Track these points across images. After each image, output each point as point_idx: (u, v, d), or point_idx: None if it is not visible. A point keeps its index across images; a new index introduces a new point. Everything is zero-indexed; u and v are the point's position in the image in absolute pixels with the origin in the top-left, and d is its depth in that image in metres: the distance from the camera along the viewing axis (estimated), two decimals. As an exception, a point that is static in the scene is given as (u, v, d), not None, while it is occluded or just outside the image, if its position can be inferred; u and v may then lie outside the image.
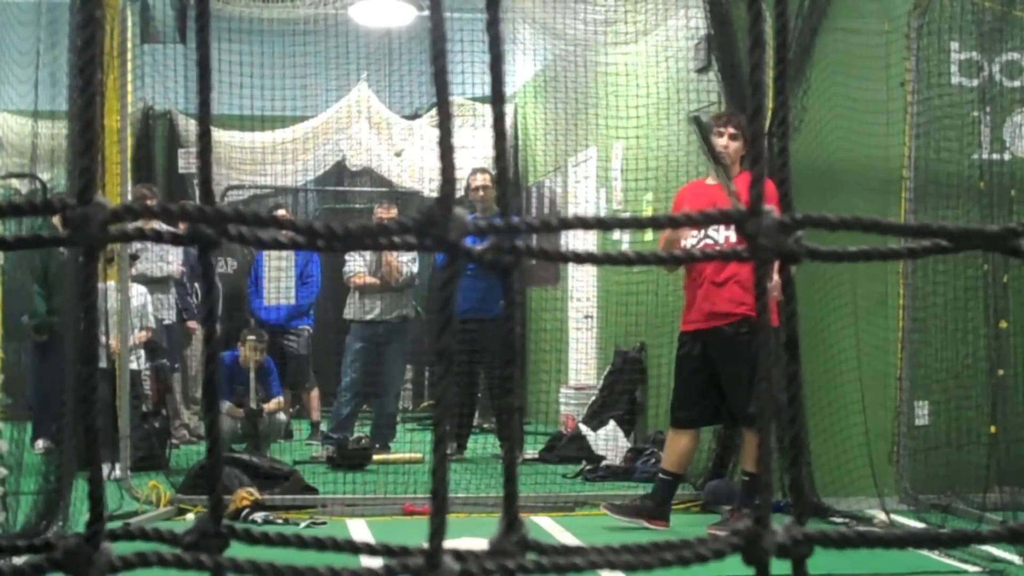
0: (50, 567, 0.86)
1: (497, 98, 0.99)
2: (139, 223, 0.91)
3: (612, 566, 0.91)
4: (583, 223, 1.03)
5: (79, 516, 6.60)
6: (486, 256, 0.94)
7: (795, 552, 0.93)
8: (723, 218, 0.96)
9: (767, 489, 0.97)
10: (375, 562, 0.91)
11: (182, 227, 0.97)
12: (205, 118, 0.97)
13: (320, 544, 0.93)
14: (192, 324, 11.54)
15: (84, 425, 0.94)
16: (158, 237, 0.96)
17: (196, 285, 11.55)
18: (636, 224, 1.03)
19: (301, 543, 0.96)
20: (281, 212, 10.93)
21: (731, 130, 7.23)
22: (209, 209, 0.92)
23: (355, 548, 0.93)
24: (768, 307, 0.98)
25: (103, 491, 0.92)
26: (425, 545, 0.90)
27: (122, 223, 0.90)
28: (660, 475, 7.42)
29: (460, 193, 11.24)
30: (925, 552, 6.77)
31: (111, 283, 8.68)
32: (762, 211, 0.93)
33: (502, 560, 0.89)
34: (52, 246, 0.91)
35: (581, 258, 1.00)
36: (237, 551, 0.95)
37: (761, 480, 1.01)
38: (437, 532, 0.90)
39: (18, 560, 0.88)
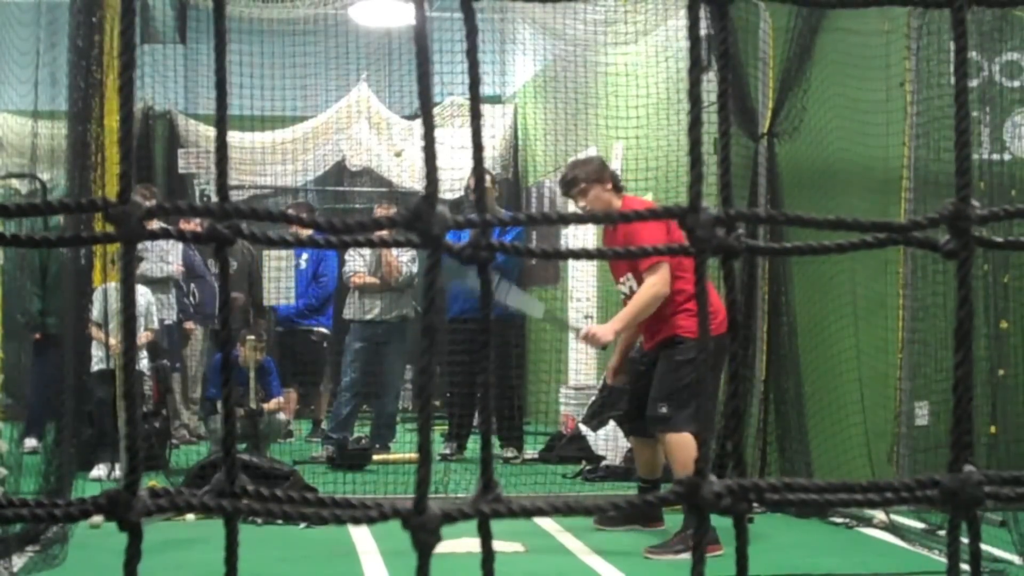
0: (95, 510, 1.00)
1: (475, 115, 1.10)
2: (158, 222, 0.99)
3: (571, 510, 1.05)
4: (547, 219, 1.15)
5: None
6: (465, 252, 1.05)
7: (735, 508, 1.04)
8: (666, 213, 1.10)
9: (705, 446, 1.08)
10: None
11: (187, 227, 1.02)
12: (222, 126, 1.07)
13: (322, 504, 1.05)
14: (189, 325, 11.55)
15: (125, 388, 1.11)
16: (181, 236, 1.06)
17: (192, 285, 11.57)
18: (595, 220, 1.17)
19: (305, 503, 1.08)
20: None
21: (576, 190, 7.18)
22: (229, 207, 1.04)
23: (351, 506, 1.04)
24: (706, 299, 1.10)
25: (138, 445, 1.06)
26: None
27: (154, 219, 1.03)
28: (639, 484, 7.48)
29: (460, 194, 11.27)
30: (925, 552, 6.77)
31: (111, 284, 8.68)
32: (700, 207, 1.06)
33: (478, 505, 1.02)
34: (95, 243, 1.05)
35: (549, 254, 1.15)
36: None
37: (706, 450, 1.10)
38: (423, 482, 1.01)
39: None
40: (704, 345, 1.17)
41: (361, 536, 6.83)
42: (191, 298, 11.52)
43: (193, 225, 7.65)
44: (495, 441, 11.27)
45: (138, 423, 1.07)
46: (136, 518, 0.99)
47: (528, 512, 1.03)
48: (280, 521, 7.69)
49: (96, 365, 8.99)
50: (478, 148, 1.11)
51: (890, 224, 1.10)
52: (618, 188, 7.24)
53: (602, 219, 1.15)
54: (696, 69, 1.08)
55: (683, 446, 6.83)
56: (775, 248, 1.12)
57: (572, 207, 7.60)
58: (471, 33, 1.05)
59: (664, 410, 6.86)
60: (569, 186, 7.22)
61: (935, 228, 1.08)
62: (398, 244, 1.05)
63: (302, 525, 7.51)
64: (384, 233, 1.06)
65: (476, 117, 1.10)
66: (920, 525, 7.19)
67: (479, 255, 1.06)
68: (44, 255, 9.86)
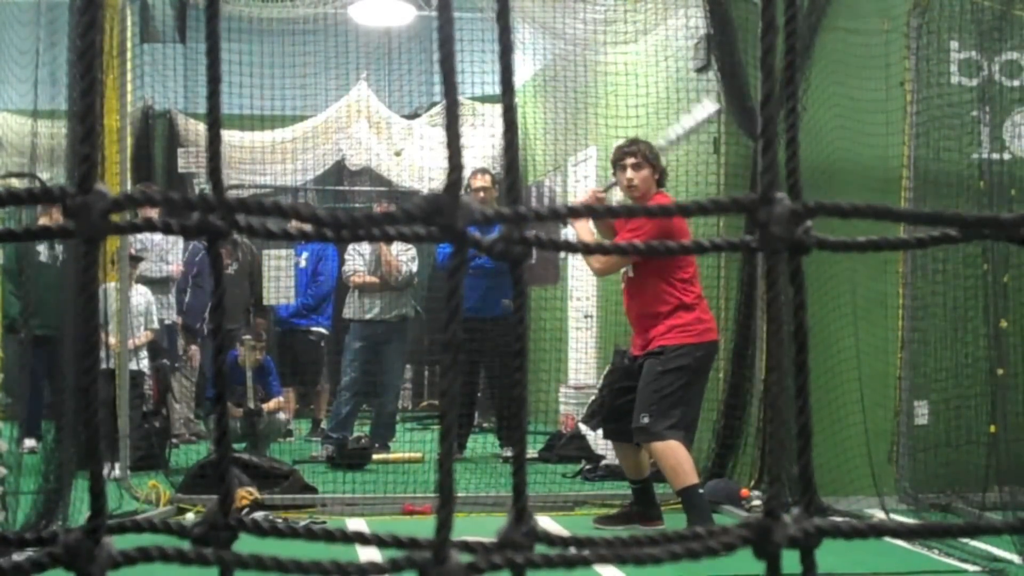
0: (51, 563, 0.86)
1: (507, 88, 0.96)
2: (150, 214, 0.90)
3: (622, 560, 0.90)
4: (589, 211, 1.02)
5: (79, 516, 6.60)
6: (496, 247, 0.92)
7: (804, 543, 0.93)
8: (733, 206, 0.95)
9: (779, 481, 0.98)
10: (378, 554, 0.92)
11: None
12: (214, 113, 0.97)
13: (329, 536, 0.95)
14: (178, 321, 11.57)
15: (85, 417, 0.95)
16: (167, 228, 0.94)
17: (189, 291, 11.57)
18: (633, 214, 1.02)
19: (310, 535, 0.98)
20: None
21: (632, 160, 7.07)
22: (215, 198, 0.90)
23: (364, 540, 0.93)
24: (780, 301, 0.97)
25: (103, 485, 0.91)
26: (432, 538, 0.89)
27: (123, 212, 0.89)
28: (631, 486, 7.47)
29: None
30: (925, 551, 6.77)
31: (111, 284, 8.67)
32: (773, 199, 0.92)
33: (510, 554, 0.88)
34: (53, 238, 0.91)
35: (589, 248, 1.03)
36: (243, 544, 0.95)
37: (776, 468, 1.02)
38: (444, 525, 0.88)
39: (19, 559, 0.87)
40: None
41: (365, 548, 6.81)
42: (186, 295, 11.53)
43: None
44: (493, 441, 11.24)
45: (101, 460, 0.91)
46: (99, 573, 0.86)
47: (570, 563, 0.90)
48: (280, 520, 7.70)
49: (101, 364, 8.97)
50: (510, 125, 0.98)
51: (998, 219, 0.97)
52: (661, 184, 7.22)
53: (640, 211, 1.03)
54: (769, 36, 0.95)
55: (668, 453, 6.81)
56: (847, 242, 0.99)
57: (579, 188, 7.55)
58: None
59: (645, 420, 6.86)
60: (628, 154, 7.12)
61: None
62: (420, 239, 0.92)
63: (301, 524, 7.51)
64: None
65: (508, 92, 0.96)
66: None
67: (512, 250, 0.92)
68: (22, 254, 9.84)
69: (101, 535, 0.86)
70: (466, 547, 0.89)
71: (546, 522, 7.54)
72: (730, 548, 0.93)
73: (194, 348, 11.57)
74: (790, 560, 1.02)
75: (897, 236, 1.01)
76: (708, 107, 7.73)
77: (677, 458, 6.79)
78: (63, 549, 0.86)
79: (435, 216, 0.90)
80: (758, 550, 0.92)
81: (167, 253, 10.98)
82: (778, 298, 0.96)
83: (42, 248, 9.92)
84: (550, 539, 0.91)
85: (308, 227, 0.95)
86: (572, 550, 0.92)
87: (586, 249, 1.03)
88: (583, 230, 7.28)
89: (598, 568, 5.49)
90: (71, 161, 7.28)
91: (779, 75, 0.97)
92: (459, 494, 7.93)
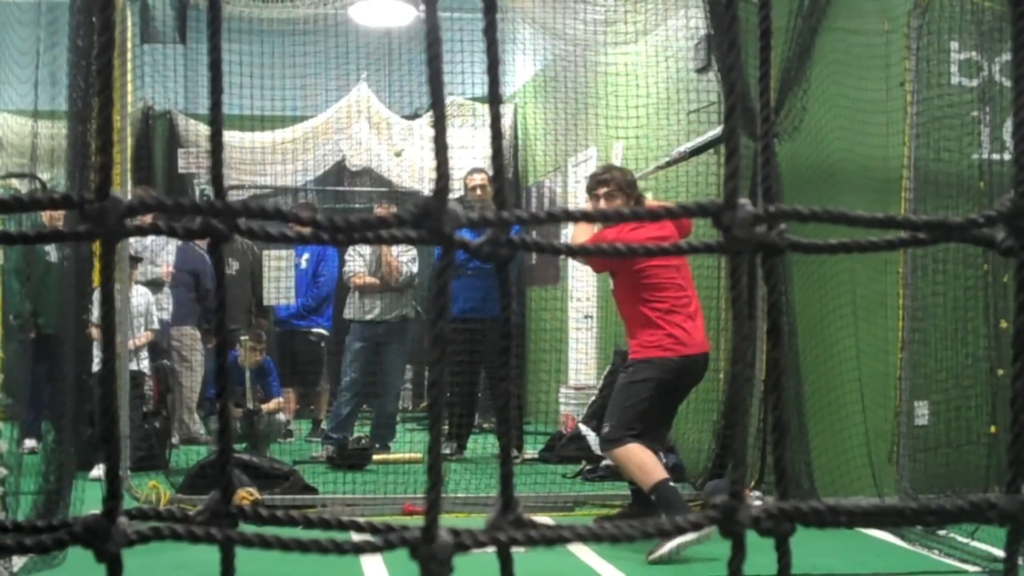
0: (71, 540, 0.91)
1: (494, 99, 1.01)
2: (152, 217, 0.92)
3: (598, 539, 0.94)
4: (569, 216, 1.03)
5: (79, 516, 6.60)
6: (483, 249, 0.96)
7: (777, 529, 0.96)
8: (699, 211, 0.98)
9: (742, 464, 1.00)
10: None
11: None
12: (216, 117, 0.99)
13: (325, 524, 0.99)
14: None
15: (103, 405, 0.98)
16: (172, 232, 0.98)
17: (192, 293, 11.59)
18: (619, 218, 1.05)
19: (307, 522, 1.01)
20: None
21: (604, 190, 7.09)
22: (220, 203, 0.94)
23: (359, 527, 0.96)
24: (744, 299, 0.99)
25: (119, 468, 0.96)
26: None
27: (136, 217, 0.93)
28: (630, 487, 7.47)
29: (459, 193, 11.29)
30: (925, 552, 6.77)
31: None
32: (736, 204, 0.95)
33: (494, 532, 0.92)
34: (71, 240, 0.95)
35: (572, 250, 1.05)
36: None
37: (740, 462, 1.03)
38: (433, 506, 0.91)
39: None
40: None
41: (361, 536, 6.81)
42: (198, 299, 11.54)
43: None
44: (493, 441, 11.24)
45: (118, 443, 0.96)
46: (115, 549, 0.91)
47: (549, 540, 0.94)
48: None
49: (97, 366, 8.99)
50: (496, 136, 1.01)
51: (945, 222, 1.00)
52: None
53: (614, 216, 1.05)
54: (731, 54, 1.00)
55: (630, 456, 6.81)
56: (819, 245, 1.02)
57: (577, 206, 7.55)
58: (489, 8, 0.97)
59: (606, 430, 6.90)
60: (601, 184, 7.13)
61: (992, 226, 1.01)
62: (410, 241, 0.95)
63: (301, 525, 7.50)
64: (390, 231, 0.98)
65: (495, 101, 1.00)
66: (919, 525, 7.19)
67: (498, 252, 0.96)
68: (29, 255, 9.85)
69: (117, 515, 0.91)
70: (454, 533, 0.92)
71: (545, 521, 7.53)
72: (697, 527, 0.96)
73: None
74: (796, 561, 1.02)
75: (868, 239, 1.02)
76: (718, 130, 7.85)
77: (640, 458, 6.75)
78: (82, 528, 0.91)
79: (424, 220, 0.93)
80: (723, 530, 0.95)
81: (156, 256, 10.96)
82: (742, 296, 0.98)
83: (51, 248, 9.93)
84: (535, 526, 0.95)
85: (306, 231, 0.97)
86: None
87: (569, 251, 1.07)
88: (581, 232, 7.31)
89: (597, 568, 5.45)
90: (72, 162, 7.28)
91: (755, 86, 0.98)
92: (459, 495, 7.97)
